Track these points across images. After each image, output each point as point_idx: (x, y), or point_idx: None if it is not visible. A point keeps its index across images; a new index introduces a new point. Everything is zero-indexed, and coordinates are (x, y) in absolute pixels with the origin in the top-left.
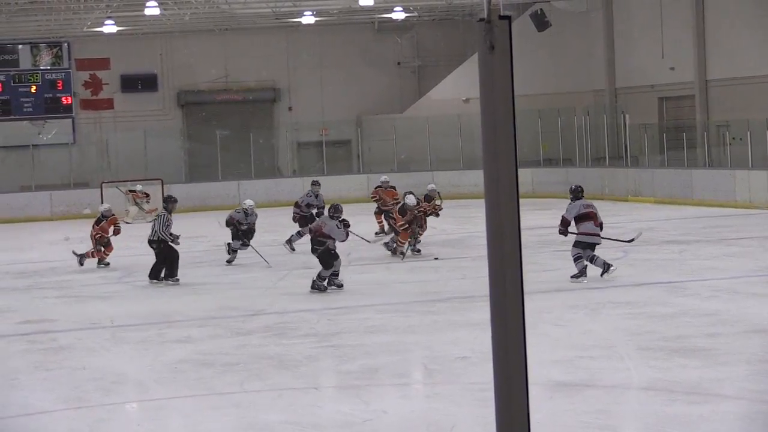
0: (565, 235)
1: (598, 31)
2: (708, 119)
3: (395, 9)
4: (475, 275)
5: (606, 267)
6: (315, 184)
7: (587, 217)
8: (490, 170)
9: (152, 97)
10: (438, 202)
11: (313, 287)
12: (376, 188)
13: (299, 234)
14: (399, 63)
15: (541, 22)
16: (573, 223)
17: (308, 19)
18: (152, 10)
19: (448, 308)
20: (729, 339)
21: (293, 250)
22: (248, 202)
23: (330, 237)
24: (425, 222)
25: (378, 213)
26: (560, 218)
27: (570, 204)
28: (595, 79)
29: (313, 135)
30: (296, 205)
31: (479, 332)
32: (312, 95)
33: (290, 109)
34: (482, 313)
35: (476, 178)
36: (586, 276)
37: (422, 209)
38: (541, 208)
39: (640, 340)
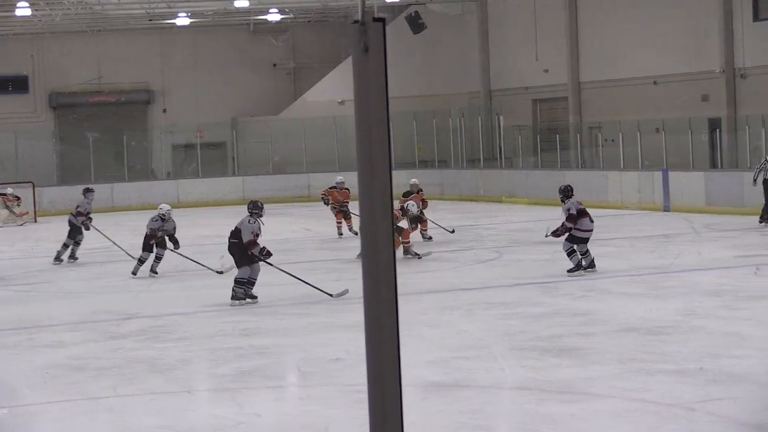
0: (559, 237)
1: (473, 33)
2: (581, 121)
3: (270, 11)
4: (349, 277)
5: (592, 264)
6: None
7: (584, 213)
8: (365, 172)
9: (23, 98)
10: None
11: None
12: (330, 188)
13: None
14: (274, 65)
15: (416, 24)
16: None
17: (182, 20)
18: (23, 10)
19: (324, 310)
20: (601, 338)
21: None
22: (165, 207)
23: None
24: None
25: (338, 213)
26: (567, 217)
27: (565, 204)
28: (470, 82)
29: (187, 137)
30: None
31: (354, 334)
32: (187, 97)
33: (164, 111)
34: (357, 314)
35: (352, 179)
36: (583, 269)
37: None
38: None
39: (513, 340)
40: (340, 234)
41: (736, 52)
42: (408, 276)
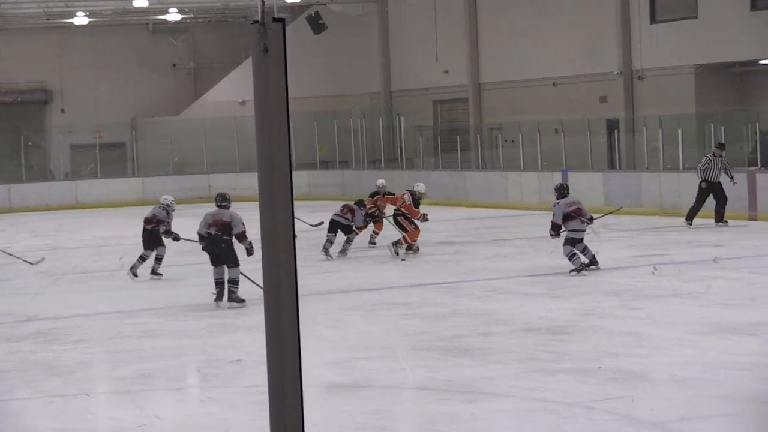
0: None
1: (373, 34)
2: (481, 122)
3: (170, 11)
4: (252, 277)
5: (594, 261)
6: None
7: (573, 215)
8: (265, 173)
9: None
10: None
11: (231, 299)
12: (374, 197)
13: None
14: (174, 65)
15: (316, 24)
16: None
17: (81, 19)
18: None
19: (225, 311)
20: (501, 338)
21: None
22: (168, 198)
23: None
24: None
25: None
26: (550, 223)
27: (556, 205)
28: (371, 82)
29: (86, 137)
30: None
31: (255, 335)
32: (85, 97)
33: (63, 111)
34: (259, 316)
35: (252, 180)
36: (585, 267)
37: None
38: (316, 210)
39: (415, 341)
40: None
41: (634, 53)
42: (309, 277)
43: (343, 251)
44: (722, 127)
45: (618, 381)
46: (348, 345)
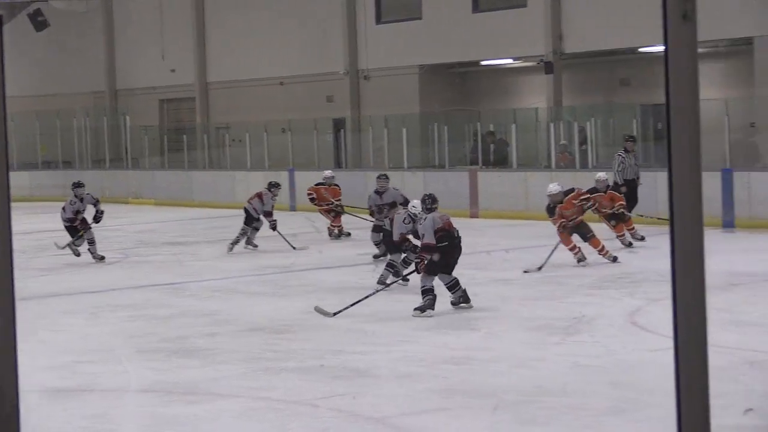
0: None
1: (97, 31)
2: (208, 121)
3: None
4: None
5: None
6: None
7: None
8: None
9: None
10: None
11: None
12: (317, 185)
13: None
14: None
15: (38, 22)
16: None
17: None
18: None
19: None
20: (227, 338)
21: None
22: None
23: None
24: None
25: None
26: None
27: (423, 221)
28: (96, 81)
29: None
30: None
31: None
32: None
33: None
34: None
35: None
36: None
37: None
38: (39, 212)
39: (139, 343)
40: (335, 235)
41: (360, 54)
42: (27, 281)
43: (237, 243)
44: (445, 127)
45: (342, 378)
46: (70, 348)
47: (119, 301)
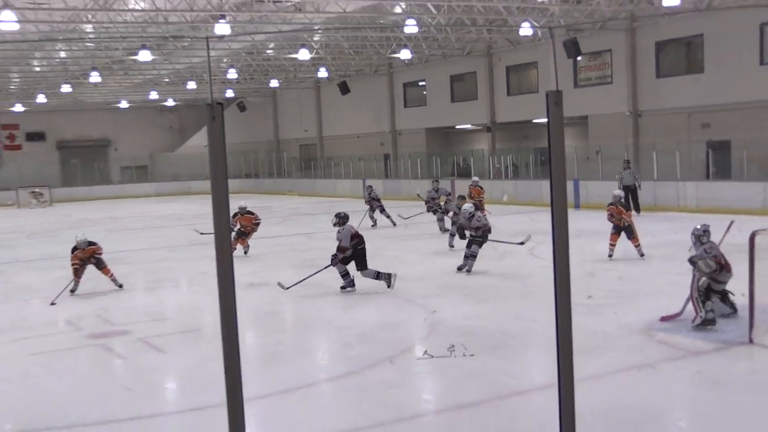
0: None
1: (269, 110)
2: (323, 155)
3: (168, 99)
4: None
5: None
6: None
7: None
8: None
9: None
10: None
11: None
12: (471, 186)
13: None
14: (171, 126)
15: (241, 107)
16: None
17: (124, 104)
18: None
19: None
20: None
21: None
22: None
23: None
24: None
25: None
26: (336, 247)
27: (341, 229)
28: (269, 135)
29: (129, 163)
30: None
31: None
32: (128, 143)
33: (116, 149)
34: None
35: None
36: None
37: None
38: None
39: None
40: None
41: (397, 121)
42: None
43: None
44: (438, 158)
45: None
46: None
47: None
